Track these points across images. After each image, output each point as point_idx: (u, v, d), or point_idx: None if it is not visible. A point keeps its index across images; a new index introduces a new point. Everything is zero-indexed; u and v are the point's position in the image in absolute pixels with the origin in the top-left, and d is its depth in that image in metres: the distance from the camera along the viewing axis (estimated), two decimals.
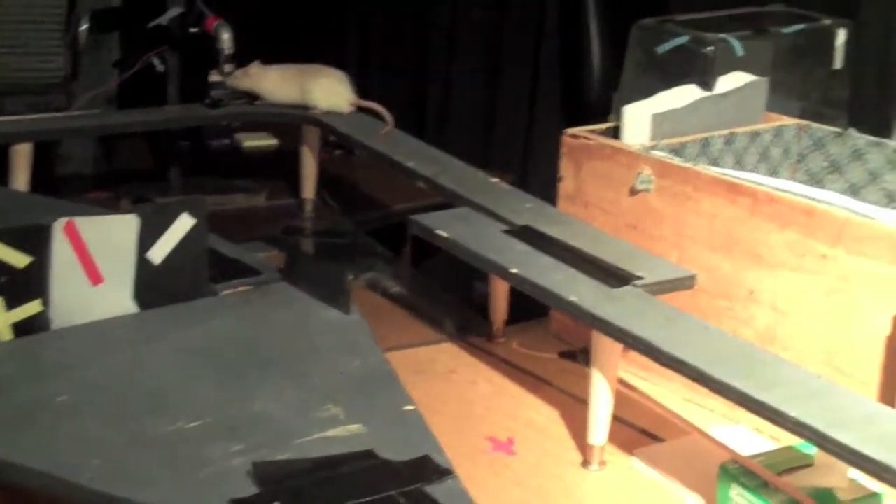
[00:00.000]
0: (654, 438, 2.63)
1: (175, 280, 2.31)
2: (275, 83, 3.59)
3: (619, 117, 3.12)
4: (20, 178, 3.32)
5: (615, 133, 3.02)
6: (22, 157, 3.34)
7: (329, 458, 1.84)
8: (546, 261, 2.62)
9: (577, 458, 2.54)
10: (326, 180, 3.88)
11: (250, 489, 1.75)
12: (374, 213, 3.84)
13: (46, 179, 3.54)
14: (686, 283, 2.57)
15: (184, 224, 2.31)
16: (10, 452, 1.82)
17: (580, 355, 2.64)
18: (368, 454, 1.86)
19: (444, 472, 1.82)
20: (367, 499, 1.74)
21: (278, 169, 4.03)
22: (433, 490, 1.78)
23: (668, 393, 2.79)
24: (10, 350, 2.12)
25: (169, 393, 2.01)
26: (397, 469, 1.82)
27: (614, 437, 2.56)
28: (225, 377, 2.07)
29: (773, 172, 3.07)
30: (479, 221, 2.84)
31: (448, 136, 4.33)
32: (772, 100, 3.29)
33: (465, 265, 2.76)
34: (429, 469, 1.83)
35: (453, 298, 3.31)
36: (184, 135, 4.14)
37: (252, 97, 3.62)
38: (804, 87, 3.70)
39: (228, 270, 2.48)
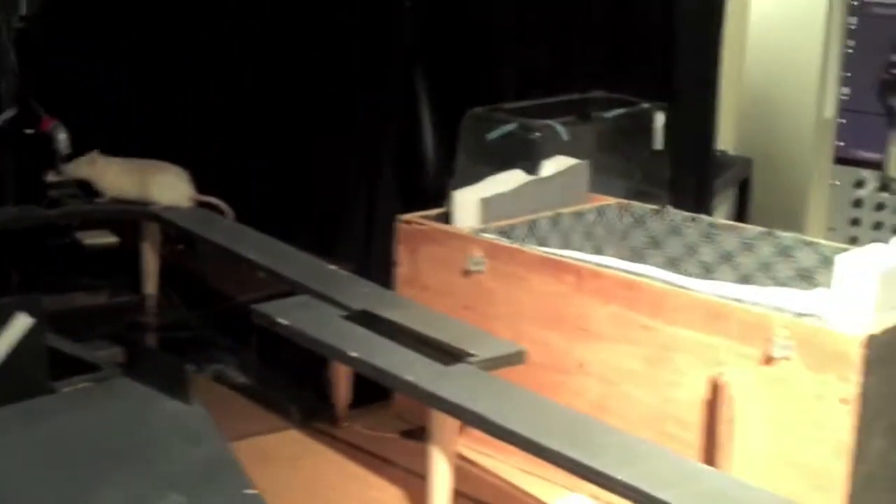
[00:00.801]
0: None
1: (14, 379, 2.31)
2: (114, 176, 3.63)
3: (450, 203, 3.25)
4: None
5: (447, 218, 3.14)
6: None
7: None
8: (383, 343, 2.70)
9: None
10: (169, 275, 3.90)
11: None
12: (218, 306, 3.86)
13: None
14: (516, 358, 2.67)
15: (21, 323, 2.33)
16: None
17: (421, 434, 2.71)
18: None
19: None
20: None
21: (119, 266, 4.04)
22: None
23: (508, 467, 2.88)
24: None
25: (11, 492, 2.02)
26: None
27: None
28: (68, 475, 2.09)
29: (599, 250, 3.23)
30: (318, 308, 2.92)
31: (291, 228, 4.39)
32: (597, 181, 3.46)
33: (311, 352, 2.82)
34: None
35: (299, 386, 3.36)
36: (22, 235, 4.12)
37: (90, 187, 3.64)
38: (627, 168, 3.90)
39: (68, 367, 2.50)
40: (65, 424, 2.26)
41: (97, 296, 3.90)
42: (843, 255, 2.47)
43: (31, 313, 2.34)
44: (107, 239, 4.33)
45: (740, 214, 4.64)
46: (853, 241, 3.71)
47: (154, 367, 2.43)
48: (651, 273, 2.73)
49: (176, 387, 2.36)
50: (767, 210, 4.52)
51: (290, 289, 3.11)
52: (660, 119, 4.03)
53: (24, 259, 4.05)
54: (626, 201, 3.35)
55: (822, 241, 2.97)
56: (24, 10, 4.14)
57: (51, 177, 3.60)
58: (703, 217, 3.22)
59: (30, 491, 2.04)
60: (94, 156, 3.65)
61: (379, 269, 3.52)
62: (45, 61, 4.17)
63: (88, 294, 3.89)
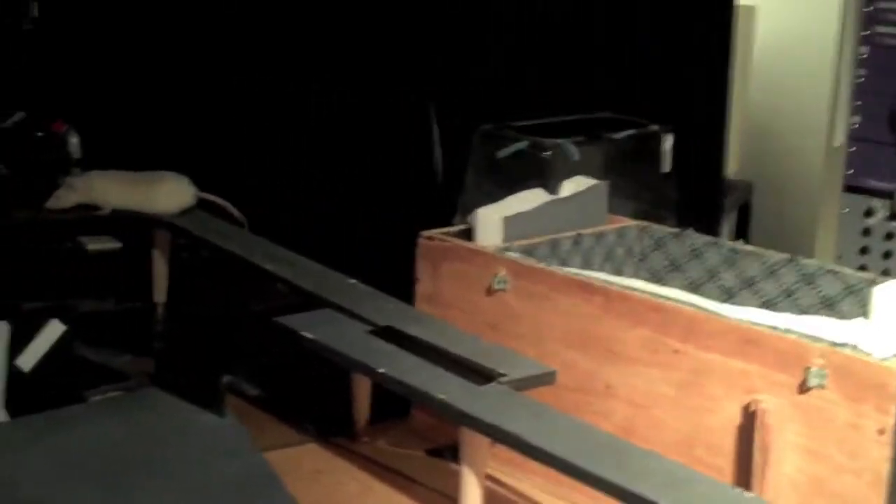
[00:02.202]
0: None
1: (45, 386, 2.28)
2: (116, 190, 3.59)
3: (464, 219, 3.24)
4: None
5: (468, 235, 3.13)
6: None
7: None
8: (412, 360, 2.68)
9: None
10: (179, 283, 3.86)
11: None
12: (231, 316, 3.82)
13: None
14: (547, 378, 2.66)
15: (53, 331, 2.30)
16: None
17: (447, 452, 2.69)
18: None
19: None
20: None
21: (125, 272, 3.99)
22: None
23: (531, 487, 2.86)
24: None
25: (46, 502, 1.99)
26: None
27: None
28: (104, 485, 2.06)
29: (618, 271, 3.22)
30: (342, 323, 2.89)
31: (301, 240, 4.37)
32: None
33: (326, 366, 2.79)
34: None
35: (314, 399, 3.33)
36: (29, 242, 4.06)
37: (89, 207, 3.60)
38: (635, 190, 3.89)
39: (96, 376, 2.46)
40: (96, 434, 2.24)
41: (103, 302, 3.86)
42: (882, 286, 2.48)
43: (64, 321, 2.30)
44: (110, 244, 4.28)
45: (739, 239, 4.65)
46: (862, 269, 3.72)
47: (183, 377, 2.40)
48: (681, 297, 2.72)
49: (209, 399, 2.33)
50: (768, 235, 4.54)
51: (302, 301, 3.09)
52: (668, 141, 4.04)
53: (30, 266, 4.00)
54: (645, 223, 3.35)
55: (846, 270, 2.98)
56: (34, 13, 4.09)
57: (64, 181, 3.55)
58: (725, 241, 3.23)
59: (65, 499, 2.00)
60: (90, 175, 3.61)
61: (388, 284, 3.50)
62: (55, 64, 4.12)
63: (96, 301, 3.84)
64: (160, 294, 3.75)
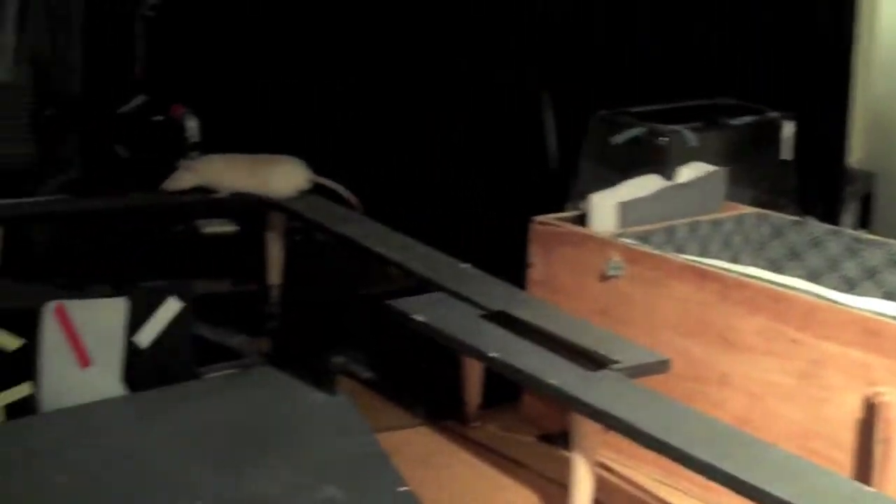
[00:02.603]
0: None
1: (162, 363, 2.32)
2: (231, 173, 3.62)
3: (576, 204, 3.20)
4: None
5: (581, 220, 3.09)
6: None
7: None
8: (524, 345, 2.66)
9: None
10: (292, 265, 3.90)
11: None
12: (343, 299, 3.84)
13: (15, 268, 3.52)
14: (660, 367, 2.62)
15: (170, 308, 2.33)
16: None
17: (559, 439, 2.67)
18: None
19: None
20: None
21: (241, 255, 4.04)
22: None
23: (641, 476, 2.83)
24: (4, 433, 2.11)
25: (164, 475, 2.02)
26: None
27: None
28: (217, 459, 2.08)
29: (735, 259, 3.16)
30: (454, 306, 2.88)
31: (413, 223, 4.38)
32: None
33: (435, 350, 2.78)
34: None
35: (424, 382, 3.33)
36: (148, 222, 4.15)
37: (205, 190, 3.64)
38: (754, 177, 3.81)
39: (212, 353, 2.50)
40: (211, 410, 2.26)
41: (219, 283, 3.91)
42: None
43: (181, 298, 2.33)
44: (226, 228, 4.34)
45: (861, 230, 4.53)
46: None
47: (296, 356, 2.41)
48: (800, 286, 2.66)
49: (320, 378, 2.35)
50: (890, 227, 4.41)
51: (415, 285, 3.08)
52: (789, 129, 3.95)
53: (149, 245, 4.08)
54: (765, 211, 3.28)
55: None
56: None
57: (169, 185, 3.59)
58: (846, 230, 3.14)
59: (181, 471, 2.03)
60: (207, 158, 3.65)
61: (501, 269, 3.49)
62: (175, 49, 4.18)
63: (210, 281, 3.89)
64: (274, 276, 3.78)
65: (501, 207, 4.18)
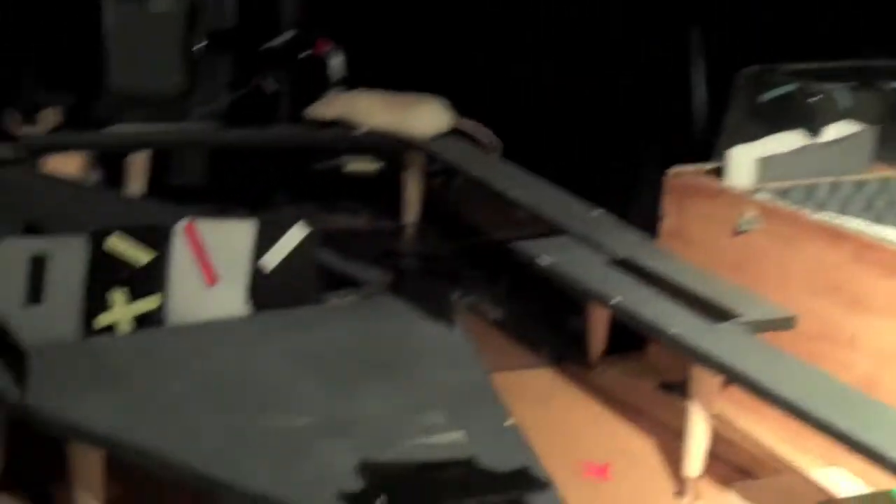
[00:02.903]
0: (750, 476, 2.63)
1: (286, 286, 2.37)
2: (373, 110, 3.66)
3: (721, 159, 3.14)
4: (135, 184, 3.44)
5: (718, 174, 3.04)
6: (139, 164, 3.46)
7: (433, 462, 1.88)
8: (647, 293, 2.64)
9: (671, 487, 2.55)
10: (429, 205, 3.94)
11: (355, 485, 1.79)
12: (475, 240, 3.87)
13: (160, 190, 3.64)
14: (786, 323, 2.57)
15: (297, 234, 2.38)
16: (127, 434, 1.89)
17: (679, 388, 2.64)
18: (470, 461, 1.89)
19: (543, 485, 1.85)
20: (469, 502, 1.78)
21: (380, 193, 4.10)
22: (531, 500, 1.81)
23: (766, 432, 2.78)
24: (130, 342, 2.20)
25: (278, 390, 2.07)
26: (497, 478, 1.85)
27: (710, 472, 2.57)
28: (332, 379, 2.12)
29: (878, 223, 3.06)
30: (580, 251, 2.88)
31: (555, 170, 4.37)
32: (878, 151, 3.29)
33: (564, 295, 2.78)
34: (528, 480, 1.85)
35: (551, 326, 3.34)
36: (291, 156, 4.23)
37: (344, 124, 3.69)
38: None
39: (336, 280, 2.54)
40: (329, 334, 2.30)
41: (358, 219, 3.98)
42: None
43: (307, 226, 2.38)
44: (369, 166, 4.40)
45: None
46: None
47: (420, 289, 2.44)
48: None
49: (440, 311, 2.37)
50: None
51: (548, 230, 3.08)
52: None
53: (292, 178, 4.17)
54: None
55: None
56: None
57: (311, 112, 3.65)
58: None
59: (294, 388, 2.08)
60: (351, 92, 3.69)
61: (638, 219, 3.46)
62: None
63: (350, 217, 3.97)
64: (410, 215, 3.83)
65: (644, 158, 4.14)
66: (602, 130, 4.20)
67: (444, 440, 1.96)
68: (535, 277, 2.90)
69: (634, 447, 2.70)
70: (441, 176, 4.27)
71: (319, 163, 4.39)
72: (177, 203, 3.56)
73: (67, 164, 3.37)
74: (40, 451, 2.11)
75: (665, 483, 2.56)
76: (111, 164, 3.56)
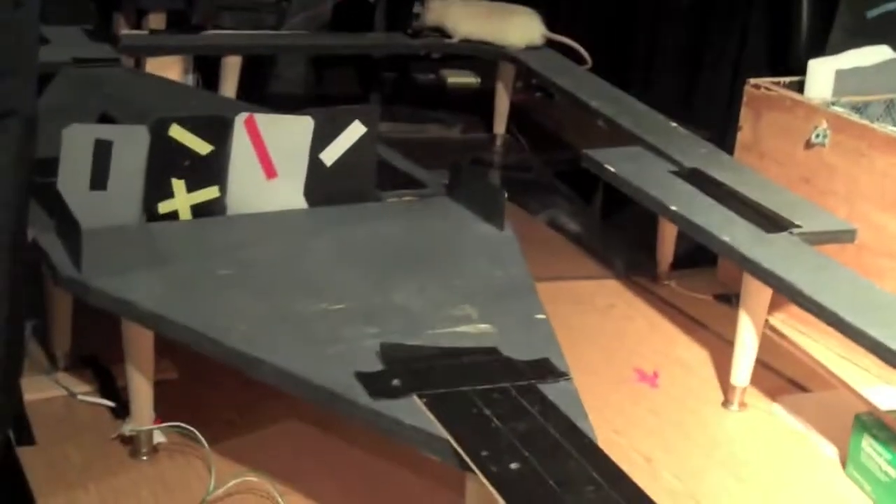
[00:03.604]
0: (801, 389, 2.64)
1: (344, 182, 2.44)
2: (468, 18, 3.70)
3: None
4: (229, 88, 3.55)
5: (800, 87, 3.01)
6: (232, 68, 3.57)
7: (453, 348, 1.94)
8: (708, 202, 2.65)
9: (719, 397, 2.57)
10: (522, 119, 3.97)
11: (376, 367, 1.87)
12: (563, 155, 3.90)
13: (256, 96, 3.74)
14: (845, 236, 2.55)
15: (355, 131, 2.44)
16: (172, 312, 1.99)
17: (734, 298, 2.65)
18: (492, 350, 1.95)
19: (559, 374, 1.90)
20: (483, 387, 1.84)
21: (478, 106, 4.15)
22: (546, 388, 1.86)
23: (824, 349, 2.78)
24: (186, 228, 2.30)
25: (320, 278, 2.15)
26: (516, 366, 1.91)
27: (761, 383, 2.58)
28: (374, 271, 2.19)
29: None
30: (649, 161, 2.89)
31: (651, 89, 4.35)
32: None
33: (652, 213, 2.79)
34: (546, 369, 1.90)
35: (628, 241, 3.36)
36: (391, 67, 4.30)
37: (441, 31, 3.73)
38: None
39: (397, 181, 2.61)
40: (379, 230, 2.37)
41: (451, 130, 4.04)
42: None
43: (365, 123, 2.44)
44: (469, 79, 4.45)
45: None
46: None
47: (474, 190, 2.49)
48: None
49: (492, 211, 2.42)
50: None
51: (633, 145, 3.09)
52: None
53: (391, 88, 4.24)
54: None
55: None
56: None
57: (418, 8, 3.71)
58: None
59: (336, 278, 2.16)
60: (446, 2, 3.72)
61: (731, 136, 3.43)
62: None
63: (442, 127, 4.03)
64: (499, 126, 3.87)
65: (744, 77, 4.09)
66: (700, 47, 4.16)
67: (472, 331, 2.02)
68: (619, 194, 2.90)
69: (689, 357, 2.72)
70: (542, 91, 4.30)
71: (421, 74, 4.45)
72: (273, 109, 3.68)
73: (166, 67, 3.49)
74: (104, 333, 2.24)
75: (713, 392, 2.58)
76: (209, 68, 3.68)
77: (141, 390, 2.19)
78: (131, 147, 2.27)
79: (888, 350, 2.07)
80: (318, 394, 1.83)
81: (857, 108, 2.88)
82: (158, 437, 2.24)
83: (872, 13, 3.55)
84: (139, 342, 2.15)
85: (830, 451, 2.39)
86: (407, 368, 1.87)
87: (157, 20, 3.76)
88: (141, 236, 2.24)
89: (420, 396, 1.79)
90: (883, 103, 2.93)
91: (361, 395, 1.79)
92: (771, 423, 2.50)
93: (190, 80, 3.60)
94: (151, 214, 2.30)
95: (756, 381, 2.55)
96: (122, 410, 2.30)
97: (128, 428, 2.23)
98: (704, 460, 2.34)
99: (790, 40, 4.13)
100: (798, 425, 2.48)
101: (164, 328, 2.02)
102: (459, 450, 1.68)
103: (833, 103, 2.87)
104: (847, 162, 2.75)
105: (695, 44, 4.29)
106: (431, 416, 1.75)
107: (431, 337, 1.98)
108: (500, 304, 2.12)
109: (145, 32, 3.62)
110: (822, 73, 2.94)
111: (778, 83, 3.01)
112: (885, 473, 2.20)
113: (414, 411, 1.77)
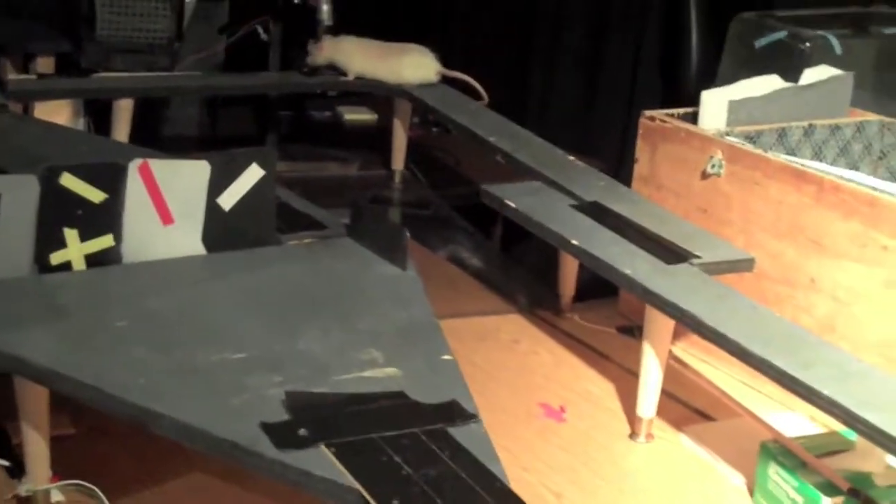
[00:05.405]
0: (707, 418, 2.66)
1: (243, 226, 2.40)
2: (362, 57, 3.68)
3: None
4: (121, 132, 3.48)
5: (694, 118, 3.04)
6: (124, 112, 3.50)
7: (360, 394, 1.91)
8: (608, 235, 2.66)
9: (626, 429, 2.58)
10: (420, 155, 3.97)
11: (281, 416, 1.83)
12: (462, 190, 3.90)
13: (150, 139, 3.68)
14: (744, 265, 2.58)
15: (253, 174, 2.40)
16: (67, 368, 1.93)
17: (637, 330, 2.67)
18: (399, 394, 1.92)
19: (468, 416, 1.88)
20: (391, 433, 1.81)
21: (375, 142, 4.13)
22: (456, 432, 1.84)
23: (727, 377, 2.80)
24: (81, 279, 2.23)
25: (220, 327, 2.11)
26: (424, 409, 1.89)
27: (667, 414, 2.60)
28: (276, 317, 2.16)
29: (853, 168, 3.06)
30: (549, 195, 2.90)
31: (547, 123, 4.38)
32: (869, 98, 3.27)
33: (547, 244, 2.80)
34: (455, 412, 1.88)
35: (530, 275, 3.37)
36: (287, 105, 4.26)
37: (334, 69, 3.71)
38: None
39: (297, 223, 2.57)
40: (282, 274, 2.34)
41: (349, 167, 4.01)
42: None
43: (263, 166, 2.40)
44: (366, 115, 4.44)
45: None
46: None
47: (376, 230, 2.47)
48: None
49: (394, 251, 2.39)
50: None
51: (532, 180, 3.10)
52: None
53: (286, 125, 4.20)
54: (890, 119, 3.15)
55: None
56: None
57: (312, 46, 3.69)
58: None
59: (237, 326, 2.12)
60: (340, 38, 3.71)
61: (627, 169, 3.47)
62: None
63: (341, 165, 4.00)
64: (398, 162, 3.85)
65: (637, 108, 4.14)
66: (594, 81, 4.21)
67: (378, 375, 1.99)
68: (518, 229, 2.91)
69: (594, 390, 2.73)
70: (438, 127, 4.30)
71: (318, 112, 4.43)
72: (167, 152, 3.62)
73: (56, 112, 3.42)
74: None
75: (620, 425, 2.59)
76: (100, 112, 3.61)
77: (37, 448, 2.12)
78: (21, 197, 2.20)
79: (791, 378, 2.09)
80: (222, 447, 1.79)
81: (751, 138, 2.92)
82: (57, 496, 2.17)
83: (761, 42, 3.62)
84: (33, 399, 2.08)
85: (738, 480, 2.41)
86: (313, 417, 1.84)
87: (45, 64, 3.67)
88: (33, 289, 2.17)
89: (328, 446, 1.76)
90: (775, 132, 2.98)
91: (267, 447, 1.75)
92: (678, 453, 2.51)
93: (81, 124, 3.52)
94: (43, 266, 2.23)
95: (662, 411, 2.56)
96: (17, 470, 2.22)
97: (24, 488, 2.15)
98: (614, 494, 2.34)
99: (680, 71, 4.21)
100: (705, 455, 2.50)
101: (59, 385, 1.96)
102: (371, 500, 1.65)
103: (727, 133, 2.91)
104: (742, 191, 2.79)
105: (589, 77, 4.34)
106: (341, 466, 1.72)
107: (337, 383, 1.95)
108: (405, 346, 2.10)
109: (33, 77, 3.54)
110: (714, 104, 2.98)
111: (672, 115, 3.05)
112: (793, 500, 2.21)
113: (322, 461, 1.73)
